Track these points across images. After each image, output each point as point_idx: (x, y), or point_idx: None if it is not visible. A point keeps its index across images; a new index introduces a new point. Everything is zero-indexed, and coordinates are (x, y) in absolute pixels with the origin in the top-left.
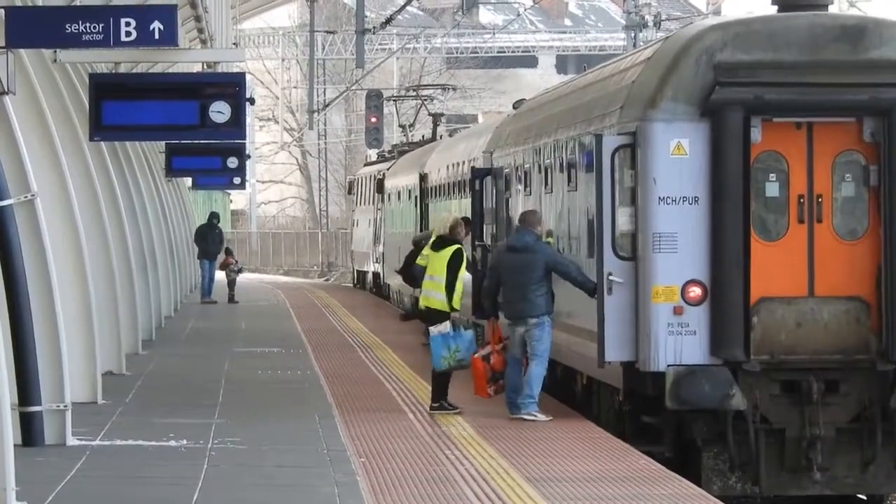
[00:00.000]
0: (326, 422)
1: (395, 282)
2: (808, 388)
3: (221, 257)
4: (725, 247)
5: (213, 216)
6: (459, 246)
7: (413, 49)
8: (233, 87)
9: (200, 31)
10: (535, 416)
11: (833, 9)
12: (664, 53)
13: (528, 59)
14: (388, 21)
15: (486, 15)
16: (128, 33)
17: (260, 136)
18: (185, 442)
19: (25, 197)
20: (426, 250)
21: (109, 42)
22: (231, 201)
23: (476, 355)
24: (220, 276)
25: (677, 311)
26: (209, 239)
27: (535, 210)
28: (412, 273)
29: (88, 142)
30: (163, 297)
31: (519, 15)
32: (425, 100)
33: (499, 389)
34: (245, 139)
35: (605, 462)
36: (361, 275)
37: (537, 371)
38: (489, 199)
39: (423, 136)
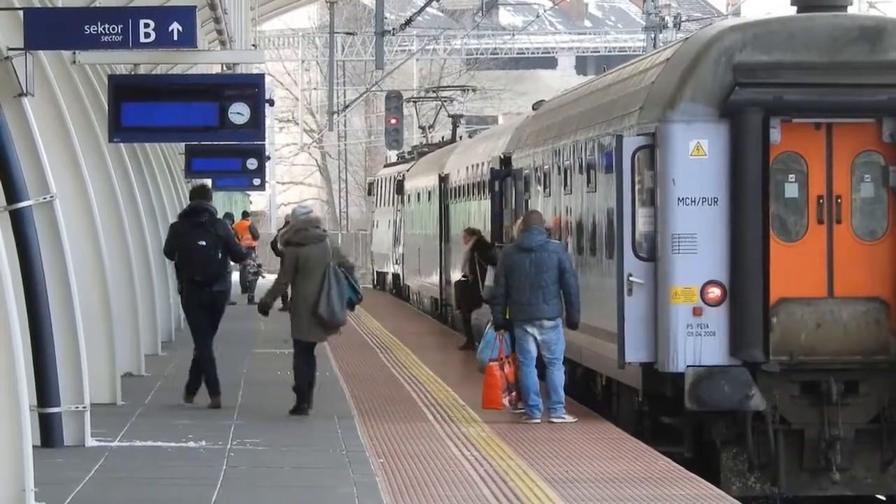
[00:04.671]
0: (345, 423)
1: (415, 283)
2: (828, 388)
3: None
4: (745, 248)
5: (227, 217)
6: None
7: (433, 50)
8: (252, 89)
9: (220, 32)
10: (564, 418)
11: (852, 9)
12: (683, 54)
13: (547, 61)
14: (408, 22)
15: (505, 16)
16: (147, 34)
17: (280, 138)
18: (204, 443)
19: (44, 198)
20: None
21: (128, 43)
22: (251, 202)
23: (491, 363)
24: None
25: (696, 311)
26: None
27: (537, 210)
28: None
29: (108, 143)
30: None
31: (538, 16)
32: (445, 101)
33: (513, 400)
34: (264, 140)
35: (625, 463)
36: (381, 276)
37: (559, 375)
38: (509, 200)
39: (442, 138)
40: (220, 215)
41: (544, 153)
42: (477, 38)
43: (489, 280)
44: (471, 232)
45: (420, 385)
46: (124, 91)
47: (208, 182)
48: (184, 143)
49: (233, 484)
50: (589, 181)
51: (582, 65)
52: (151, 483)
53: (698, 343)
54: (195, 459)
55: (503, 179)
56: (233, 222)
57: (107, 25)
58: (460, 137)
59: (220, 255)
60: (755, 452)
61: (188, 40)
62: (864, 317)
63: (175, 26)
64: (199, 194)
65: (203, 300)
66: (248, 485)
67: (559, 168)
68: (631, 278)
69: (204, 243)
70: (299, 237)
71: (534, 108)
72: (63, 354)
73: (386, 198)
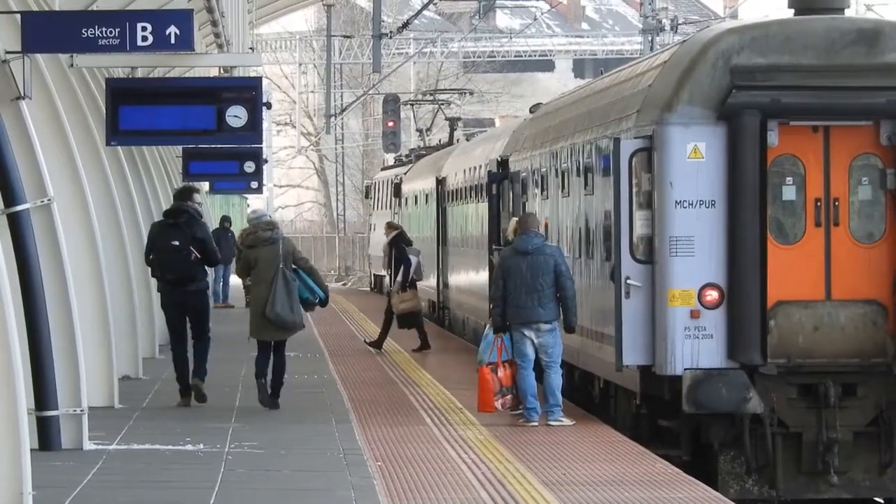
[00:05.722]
0: (343, 426)
1: None
2: (826, 391)
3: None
4: (742, 250)
5: (225, 220)
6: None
7: (430, 53)
8: (249, 92)
9: (217, 35)
10: (562, 421)
11: (850, 12)
12: (681, 57)
13: (545, 63)
14: (405, 25)
15: (502, 19)
16: (144, 38)
17: (277, 141)
18: (201, 446)
19: (42, 201)
20: None
21: (126, 47)
22: (248, 206)
23: (485, 366)
24: (235, 280)
25: (694, 314)
26: (222, 243)
27: (533, 213)
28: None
29: (105, 146)
30: None
31: (536, 19)
32: (442, 104)
33: (506, 404)
34: (262, 144)
35: (622, 466)
36: (379, 279)
37: (556, 379)
38: (506, 202)
39: (440, 141)
40: (215, 217)
41: (542, 156)
42: (474, 40)
43: (401, 277)
44: (392, 226)
45: (417, 388)
46: (122, 94)
47: (204, 184)
48: (181, 147)
49: (230, 487)
50: (586, 184)
51: (579, 68)
52: (149, 486)
53: (696, 346)
54: (193, 462)
55: (500, 182)
56: (231, 225)
57: (104, 29)
58: (457, 140)
59: (193, 255)
60: (753, 455)
61: (185, 44)
62: (862, 319)
63: (172, 30)
64: (181, 196)
65: (176, 299)
66: (245, 488)
67: (556, 171)
68: (628, 281)
69: (177, 243)
70: (249, 240)
71: (531, 111)
72: (61, 357)
73: (383, 201)
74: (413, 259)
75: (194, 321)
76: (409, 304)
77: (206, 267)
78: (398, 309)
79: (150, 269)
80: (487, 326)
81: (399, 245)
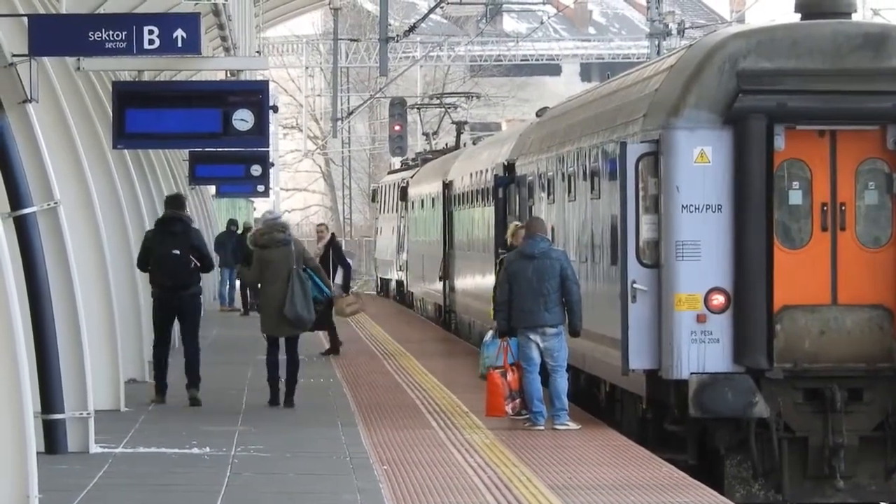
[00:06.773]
0: (349, 429)
1: (419, 289)
2: (832, 396)
3: None
4: (748, 255)
5: (232, 223)
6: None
7: (437, 57)
8: (256, 96)
9: (224, 39)
10: (568, 425)
11: (857, 16)
12: (687, 61)
13: (551, 67)
14: (412, 29)
15: (509, 23)
16: (151, 41)
17: (284, 144)
18: (208, 449)
19: (48, 205)
20: None
21: (133, 50)
22: (255, 209)
23: (494, 370)
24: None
25: (700, 318)
26: (228, 246)
27: (539, 217)
28: None
29: (112, 150)
30: None
31: (542, 23)
32: (449, 108)
33: (515, 408)
34: (268, 147)
35: (628, 470)
36: (385, 282)
37: (562, 382)
38: (513, 206)
39: (446, 144)
40: (221, 220)
41: (548, 160)
42: (481, 44)
43: (339, 279)
44: (325, 228)
45: (424, 392)
46: (128, 97)
47: (211, 188)
48: (188, 150)
49: (236, 490)
50: (593, 188)
51: (586, 72)
52: (155, 490)
53: (702, 350)
54: (199, 466)
55: (507, 186)
56: (237, 229)
57: (111, 32)
58: (464, 144)
59: (192, 263)
60: (759, 460)
61: (192, 47)
62: (868, 324)
63: (179, 33)
64: (172, 204)
65: (173, 305)
66: (251, 491)
67: (563, 175)
68: (635, 285)
69: (178, 252)
70: (263, 241)
71: (538, 115)
72: (67, 360)
73: (390, 204)
74: (351, 261)
75: (184, 325)
76: (355, 306)
77: (202, 273)
78: (345, 313)
79: (148, 275)
80: (489, 334)
81: (336, 246)
